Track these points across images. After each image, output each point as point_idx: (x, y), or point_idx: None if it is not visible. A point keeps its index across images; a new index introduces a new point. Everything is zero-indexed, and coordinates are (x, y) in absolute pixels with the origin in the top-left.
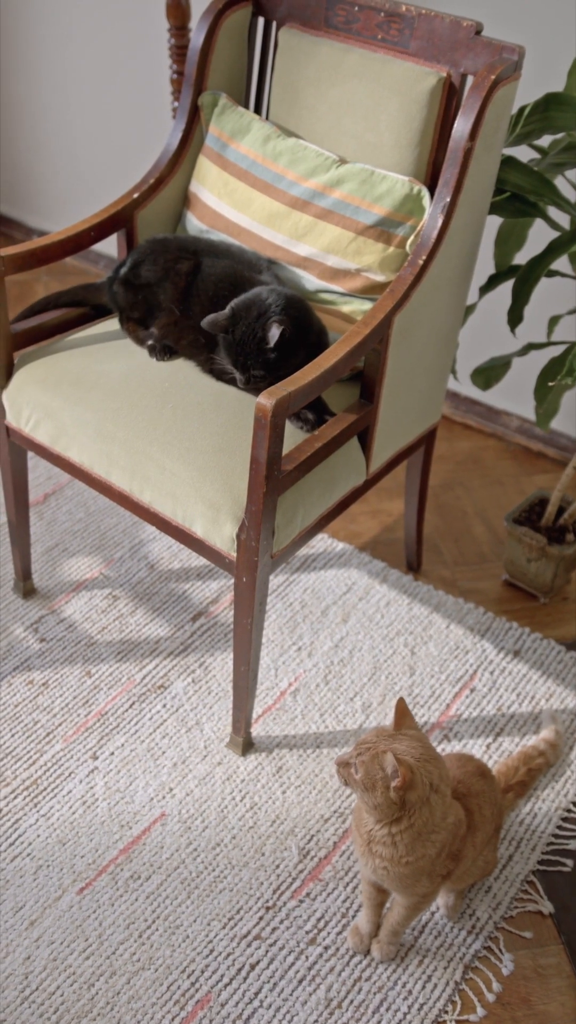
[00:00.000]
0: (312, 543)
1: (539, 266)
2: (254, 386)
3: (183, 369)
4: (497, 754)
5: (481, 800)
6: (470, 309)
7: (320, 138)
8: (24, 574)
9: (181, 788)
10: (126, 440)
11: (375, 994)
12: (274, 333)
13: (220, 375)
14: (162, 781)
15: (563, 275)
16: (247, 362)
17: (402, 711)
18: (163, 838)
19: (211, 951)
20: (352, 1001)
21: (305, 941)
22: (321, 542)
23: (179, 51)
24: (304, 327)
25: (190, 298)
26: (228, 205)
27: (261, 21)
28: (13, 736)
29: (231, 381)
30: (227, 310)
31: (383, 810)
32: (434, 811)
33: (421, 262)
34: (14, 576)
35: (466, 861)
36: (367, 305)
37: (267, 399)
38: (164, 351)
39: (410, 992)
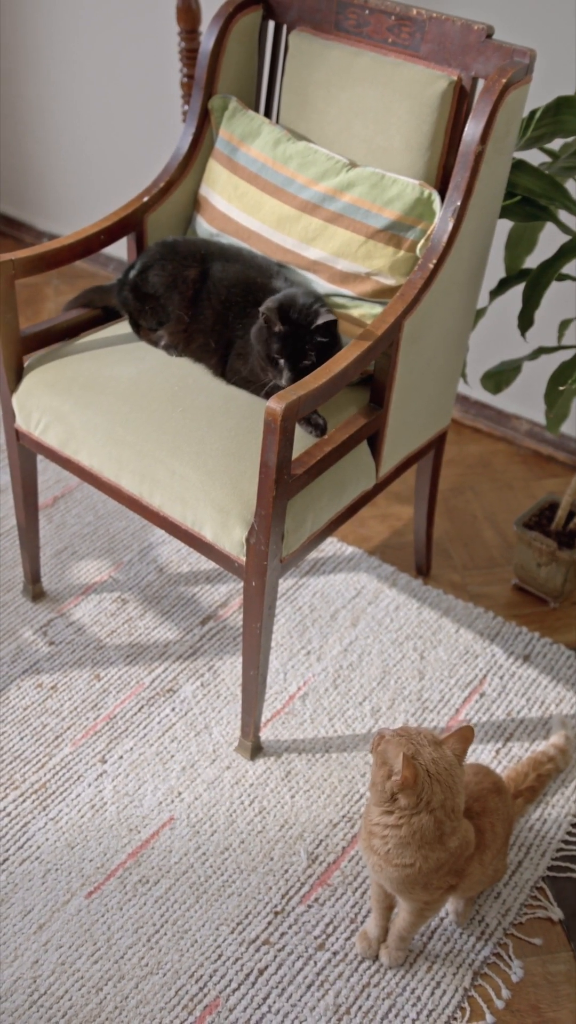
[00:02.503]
0: (321, 547)
1: (550, 270)
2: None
3: (193, 373)
4: (507, 759)
5: (495, 818)
6: (480, 313)
7: (330, 142)
8: (33, 577)
9: (190, 792)
10: (136, 444)
11: (384, 1000)
12: (324, 316)
13: (246, 383)
14: (171, 785)
15: (574, 279)
16: (296, 351)
17: (462, 737)
18: (172, 842)
19: (219, 956)
20: (361, 1007)
21: (314, 946)
22: (330, 546)
23: (189, 54)
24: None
25: (200, 303)
26: (238, 209)
27: (271, 25)
28: (22, 739)
29: (256, 389)
30: (272, 303)
31: (377, 791)
32: (425, 830)
33: (431, 266)
34: (23, 579)
35: (472, 877)
36: (377, 309)
37: (277, 403)
38: (177, 348)
39: (419, 998)
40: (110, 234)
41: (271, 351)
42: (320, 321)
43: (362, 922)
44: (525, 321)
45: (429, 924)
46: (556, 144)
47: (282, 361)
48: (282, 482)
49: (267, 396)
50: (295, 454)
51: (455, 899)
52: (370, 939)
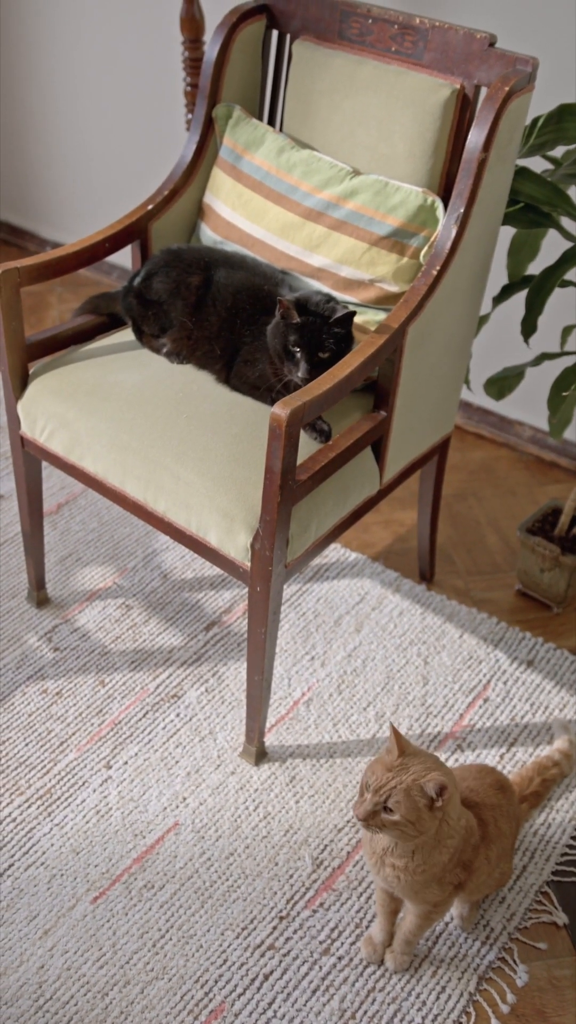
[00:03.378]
0: (325, 553)
1: (553, 276)
2: (317, 374)
3: (197, 379)
4: (511, 764)
5: (497, 813)
6: (483, 319)
7: (334, 150)
8: (38, 583)
9: (195, 797)
10: (141, 450)
11: (389, 1005)
12: (342, 310)
13: (253, 389)
14: (176, 790)
15: None
16: (314, 343)
17: (396, 734)
18: (177, 847)
19: (225, 961)
20: (366, 1012)
21: (319, 951)
22: (334, 552)
23: (193, 64)
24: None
25: (204, 309)
26: (242, 216)
27: (275, 34)
28: (27, 745)
29: (263, 395)
30: (290, 296)
31: (428, 830)
32: (450, 816)
33: (435, 272)
34: (28, 585)
35: (479, 874)
36: (381, 315)
37: (282, 408)
38: (180, 356)
39: (424, 1003)
40: (115, 242)
41: (288, 343)
42: (339, 314)
43: (367, 927)
44: (528, 327)
45: (434, 929)
46: (559, 151)
47: (299, 353)
48: (287, 487)
49: (274, 402)
50: (299, 460)
51: (460, 903)
52: (375, 944)
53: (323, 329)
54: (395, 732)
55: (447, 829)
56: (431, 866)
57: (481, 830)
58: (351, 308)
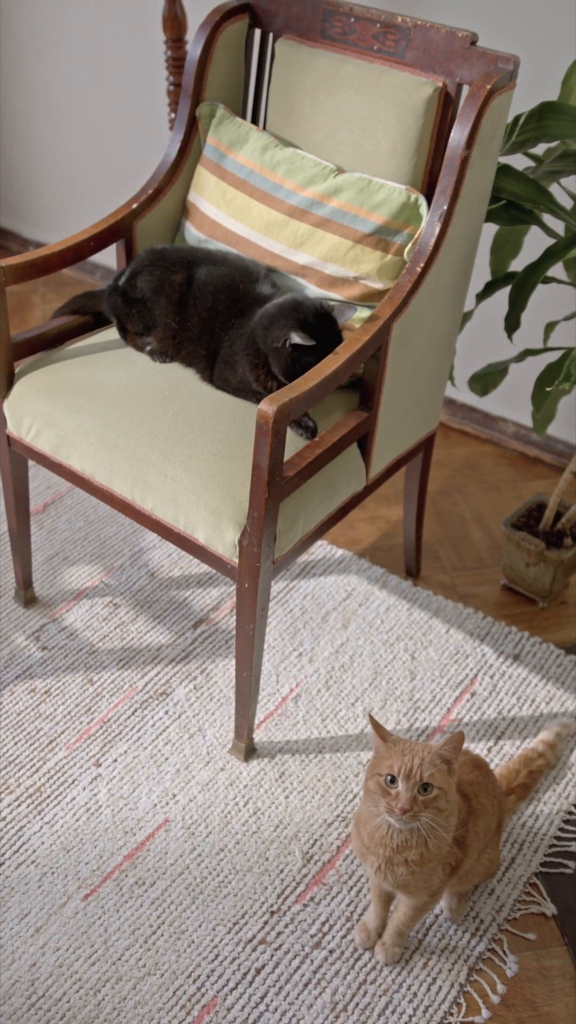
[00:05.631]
0: (312, 550)
1: (535, 273)
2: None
3: (184, 377)
4: (498, 757)
5: (477, 788)
6: (467, 316)
7: (317, 148)
8: (25, 583)
9: (184, 794)
10: (128, 448)
11: (380, 997)
12: (344, 314)
13: (236, 392)
14: (165, 787)
15: (559, 282)
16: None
17: (376, 724)
18: (167, 844)
19: (216, 956)
20: (358, 1004)
21: (310, 945)
22: (320, 548)
23: (176, 63)
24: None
25: (187, 310)
26: (227, 214)
27: (258, 33)
28: (16, 744)
29: (249, 396)
30: (296, 333)
31: (453, 798)
32: (451, 788)
33: (419, 269)
34: (15, 585)
35: (471, 852)
36: (365, 313)
37: (269, 405)
38: (164, 354)
39: (415, 994)
40: (100, 241)
41: (311, 364)
42: (344, 319)
43: (358, 919)
44: (511, 324)
45: (424, 921)
46: (540, 149)
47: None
48: (274, 484)
49: (259, 400)
50: (286, 456)
51: (449, 895)
52: (369, 930)
53: (333, 336)
54: (374, 722)
55: (453, 802)
56: (441, 847)
57: (466, 804)
58: (348, 304)
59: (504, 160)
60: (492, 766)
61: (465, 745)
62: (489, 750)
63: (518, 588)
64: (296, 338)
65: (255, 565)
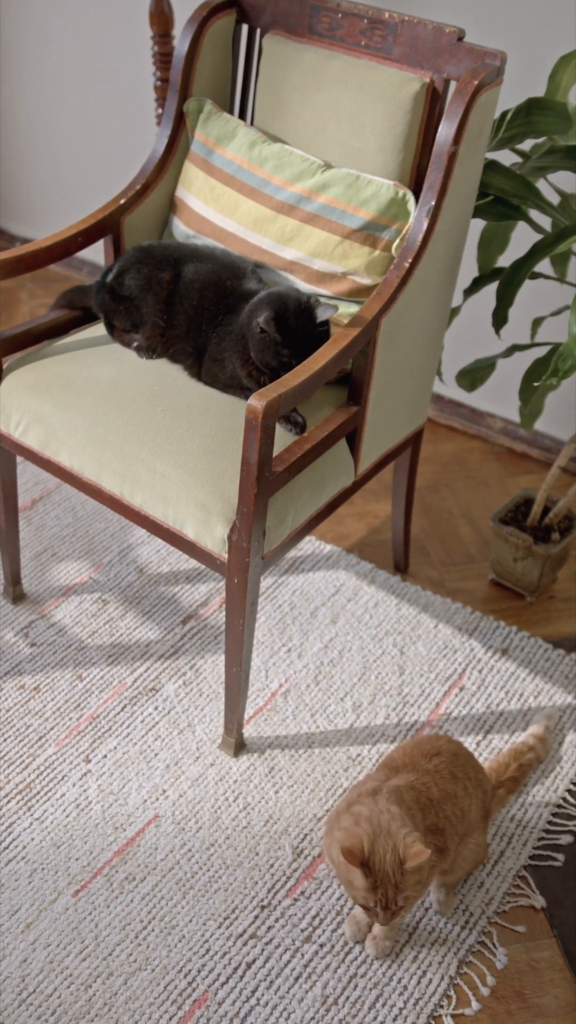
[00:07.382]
0: (300, 545)
1: (522, 268)
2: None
3: (172, 373)
4: (487, 751)
5: (436, 778)
6: (455, 311)
7: (305, 143)
8: (13, 579)
9: (174, 790)
10: (116, 443)
11: (371, 990)
12: (325, 311)
13: (226, 388)
14: (155, 783)
15: (546, 277)
16: (309, 350)
17: (352, 855)
18: (157, 839)
19: (207, 950)
20: (348, 997)
21: (301, 939)
22: (309, 544)
23: (163, 58)
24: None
25: (174, 307)
26: (214, 210)
27: (245, 28)
28: (5, 740)
29: (238, 392)
30: (267, 315)
31: (426, 873)
32: (404, 798)
33: (407, 265)
34: (3, 582)
35: (453, 835)
36: (354, 308)
37: (258, 401)
38: (151, 351)
39: (405, 987)
40: (88, 236)
41: (282, 357)
42: (323, 316)
43: (348, 913)
44: (499, 319)
45: (413, 915)
46: (527, 144)
47: (295, 362)
48: (263, 479)
49: (248, 396)
50: (275, 452)
51: (438, 887)
52: (359, 923)
53: (312, 333)
54: (348, 853)
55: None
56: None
57: (424, 796)
58: (332, 303)
59: (491, 156)
60: (481, 760)
61: None
62: (478, 744)
63: (506, 583)
64: (262, 322)
65: (244, 560)
